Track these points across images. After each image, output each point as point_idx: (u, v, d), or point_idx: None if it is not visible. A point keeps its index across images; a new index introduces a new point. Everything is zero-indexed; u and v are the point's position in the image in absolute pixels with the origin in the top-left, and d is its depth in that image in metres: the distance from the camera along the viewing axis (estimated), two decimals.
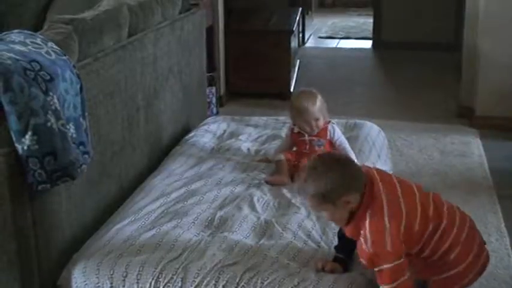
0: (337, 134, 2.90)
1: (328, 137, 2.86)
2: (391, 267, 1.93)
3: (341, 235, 2.17)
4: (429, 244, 2.03)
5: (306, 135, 2.84)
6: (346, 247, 2.17)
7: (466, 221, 2.10)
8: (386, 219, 1.94)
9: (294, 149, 2.91)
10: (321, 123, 2.82)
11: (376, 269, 1.97)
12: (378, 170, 2.09)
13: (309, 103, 2.78)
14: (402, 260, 1.95)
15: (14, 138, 1.94)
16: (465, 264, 2.05)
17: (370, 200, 1.97)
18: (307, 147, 2.84)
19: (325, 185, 1.93)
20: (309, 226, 2.37)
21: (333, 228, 2.36)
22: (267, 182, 2.72)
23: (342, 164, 2.00)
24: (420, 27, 6.85)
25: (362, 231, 1.98)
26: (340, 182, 1.94)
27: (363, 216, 1.97)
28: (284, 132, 3.18)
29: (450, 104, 5.01)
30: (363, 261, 2.00)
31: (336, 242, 2.24)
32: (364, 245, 1.98)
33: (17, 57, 1.98)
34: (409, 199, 2.00)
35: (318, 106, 2.79)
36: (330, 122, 2.89)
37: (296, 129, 2.88)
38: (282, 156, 2.83)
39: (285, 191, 2.65)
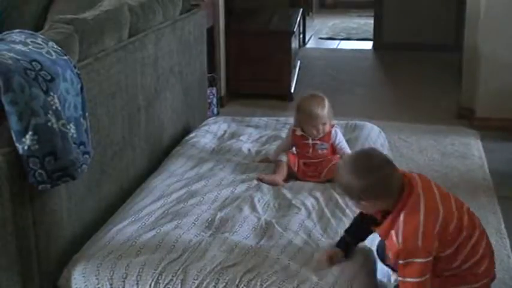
0: (339, 137, 2.90)
1: (331, 141, 2.86)
2: (420, 262, 1.97)
3: (357, 220, 2.22)
4: (462, 252, 2.05)
5: (310, 139, 2.84)
6: (356, 233, 2.21)
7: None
8: (421, 214, 1.98)
9: (294, 150, 2.91)
10: (327, 127, 2.83)
11: (401, 262, 1.99)
12: (420, 174, 2.12)
13: (319, 108, 2.79)
14: (431, 258, 1.98)
15: (14, 138, 1.94)
16: (490, 278, 2.10)
17: (406, 201, 2.00)
18: (310, 150, 2.84)
19: (357, 183, 2.00)
20: (309, 226, 2.37)
21: (334, 228, 2.36)
22: (259, 180, 2.73)
23: (381, 170, 2.01)
24: (421, 29, 6.85)
25: (395, 226, 2.00)
26: (371, 188, 1.99)
27: (397, 216, 2.00)
28: (285, 133, 3.18)
29: (451, 105, 5.00)
30: (390, 254, 2.04)
31: (336, 239, 2.25)
32: (395, 238, 1.99)
33: (18, 57, 1.98)
34: (446, 202, 2.04)
35: (326, 111, 2.80)
36: (334, 125, 2.89)
37: (299, 132, 2.87)
38: (284, 158, 2.83)
39: (285, 191, 2.65)
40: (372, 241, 2.34)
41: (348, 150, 2.89)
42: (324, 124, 2.81)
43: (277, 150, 2.98)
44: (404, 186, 2.03)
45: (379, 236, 2.15)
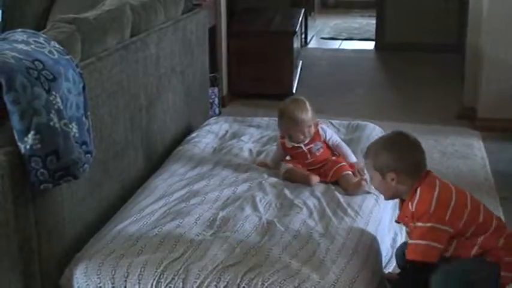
0: (329, 133, 2.90)
1: (322, 139, 2.86)
2: (430, 226, 2.08)
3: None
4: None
5: (303, 146, 2.83)
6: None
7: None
8: (436, 189, 2.13)
9: (288, 157, 2.91)
10: (313, 129, 2.82)
11: (412, 225, 2.13)
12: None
13: (303, 113, 2.77)
14: (443, 227, 2.08)
15: (16, 138, 1.94)
16: None
17: (422, 181, 2.16)
18: (309, 156, 2.84)
19: (393, 155, 2.17)
20: (311, 225, 2.37)
21: (335, 227, 2.36)
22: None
23: (417, 149, 2.21)
24: (423, 29, 6.84)
25: (412, 199, 2.15)
26: (406, 161, 2.16)
27: (414, 193, 2.16)
28: None
29: (453, 105, 5.00)
30: (405, 222, 2.20)
31: (337, 238, 2.28)
32: (410, 206, 2.14)
33: (20, 56, 1.98)
34: (461, 193, 2.18)
35: (310, 114, 2.79)
36: (318, 124, 2.88)
37: (289, 144, 2.86)
38: (289, 166, 2.82)
39: (287, 191, 2.65)
40: (377, 227, 2.36)
41: (341, 142, 2.92)
42: (310, 127, 2.80)
43: (274, 159, 2.97)
44: (425, 171, 2.20)
45: (398, 221, 2.31)
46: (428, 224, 2.08)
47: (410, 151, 2.19)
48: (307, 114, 2.78)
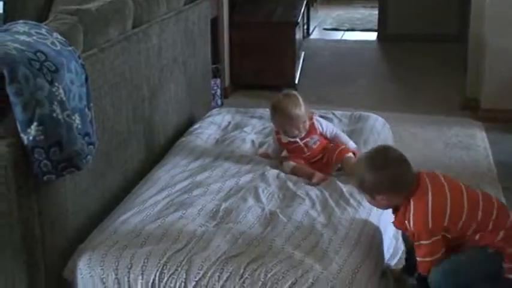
0: (324, 125, 2.89)
1: (318, 132, 2.85)
2: (430, 243, 2.11)
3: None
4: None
5: (299, 140, 2.82)
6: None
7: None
8: (429, 197, 2.11)
9: (286, 152, 2.90)
10: (308, 123, 2.81)
11: (416, 243, 2.15)
12: (428, 172, 2.22)
13: (297, 109, 2.75)
14: (439, 237, 2.11)
15: (19, 129, 1.94)
16: None
17: (414, 191, 2.13)
18: (305, 150, 2.83)
19: (373, 177, 2.13)
20: (313, 216, 2.37)
21: (338, 217, 2.37)
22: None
23: (397, 167, 2.14)
24: (425, 19, 6.81)
25: (407, 214, 2.15)
26: (386, 183, 2.13)
27: (408, 204, 2.14)
28: None
29: (455, 96, 4.99)
30: (399, 227, 2.25)
31: (340, 228, 2.29)
32: (407, 224, 2.15)
33: (23, 47, 1.98)
34: (455, 191, 2.15)
35: (303, 108, 2.77)
36: (312, 116, 2.87)
37: (284, 139, 2.85)
38: (292, 164, 2.81)
39: (290, 183, 2.65)
40: (379, 217, 2.38)
41: (339, 131, 2.92)
42: (304, 122, 2.79)
43: (274, 150, 2.96)
44: (415, 182, 2.15)
45: (396, 227, 2.31)
46: (430, 241, 2.11)
47: (392, 169, 2.13)
48: (301, 109, 2.76)
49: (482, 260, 2.16)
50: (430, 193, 2.12)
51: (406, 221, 2.16)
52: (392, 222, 2.29)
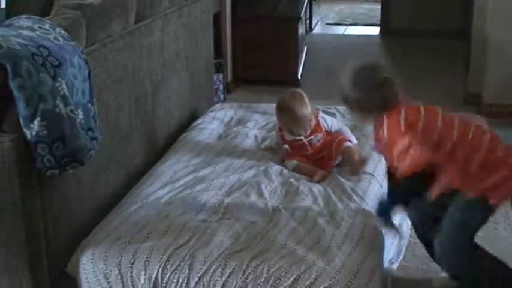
0: (329, 121, 2.90)
1: (323, 130, 2.85)
2: (406, 145, 2.09)
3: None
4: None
5: (303, 138, 2.82)
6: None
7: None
8: (403, 111, 2.13)
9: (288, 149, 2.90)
10: (313, 122, 2.80)
11: (389, 154, 2.14)
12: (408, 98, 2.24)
13: (303, 108, 2.75)
14: (417, 147, 2.08)
15: (22, 124, 1.94)
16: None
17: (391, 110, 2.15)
18: (309, 147, 2.83)
19: (355, 94, 2.16)
20: (316, 212, 2.37)
21: (341, 212, 2.37)
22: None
23: (381, 88, 2.17)
24: (428, 14, 6.80)
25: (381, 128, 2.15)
26: (366, 102, 2.16)
27: (382, 119, 2.15)
28: None
29: (458, 91, 4.98)
30: (384, 153, 2.23)
31: (342, 225, 2.27)
32: (381, 133, 2.15)
33: (25, 42, 1.98)
34: (431, 111, 2.19)
35: (309, 107, 2.77)
36: (318, 114, 2.86)
37: (289, 137, 2.85)
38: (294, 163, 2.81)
39: (292, 179, 2.65)
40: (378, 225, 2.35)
41: (343, 127, 2.93)
42: (310, 120, 2.78)
43: (276, 143, 2.97)
44: (393, 104, 2.17)
45: (376, 149, 2.35)
46: (406, 142, 2.09)
47: (373, 91, 2.17)
48: (307, 109, 2.76)
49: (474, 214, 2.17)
50: (402, 111, 2.15)
51: (381, 133, 2.15)
52: (374, 147, 2.31)
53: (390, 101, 2.17)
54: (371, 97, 2.16)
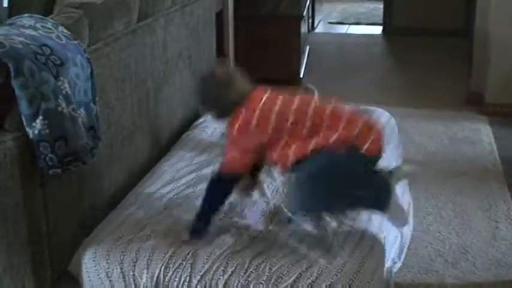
0: None
1: None
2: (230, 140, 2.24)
3: None
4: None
5: None
6: None
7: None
8: (244, 110, 2.25)
9: None
10: None
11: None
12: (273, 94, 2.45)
13: None
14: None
15: (24, 123, 1.95)
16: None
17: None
18: None
19: (199, 96, 2.37)
20: None
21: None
22: None
23: (216, 90, 2.33)
24: (431, 13, 6.79)
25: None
26: (207, 102, 2.35)
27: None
28: None
29: (460, 90, 4.97)
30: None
31: (346, 221, 2.27)
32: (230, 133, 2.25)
33: (28, 41, 1.98)
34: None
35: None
36: None
37: None
38: None
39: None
40: (381, 224, 2.36)
41: None
42: None
43: None
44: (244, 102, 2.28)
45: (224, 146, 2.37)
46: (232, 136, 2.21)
47: (209, 92, 2.33)
48: None
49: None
50: (245, 108, 2.26)
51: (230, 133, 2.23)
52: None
53: (232, 99, 2.29)
54: (209, 97, 2.33)
